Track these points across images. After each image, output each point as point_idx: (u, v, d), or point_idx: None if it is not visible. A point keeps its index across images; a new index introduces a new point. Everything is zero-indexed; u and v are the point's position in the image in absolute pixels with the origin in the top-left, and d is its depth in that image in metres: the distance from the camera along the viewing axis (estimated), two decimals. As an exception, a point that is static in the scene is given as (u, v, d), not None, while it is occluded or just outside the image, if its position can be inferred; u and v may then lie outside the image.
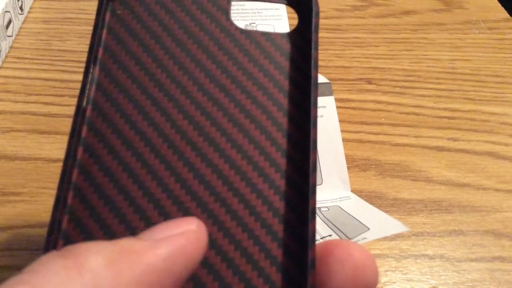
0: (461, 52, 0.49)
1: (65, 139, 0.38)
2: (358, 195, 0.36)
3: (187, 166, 0.16)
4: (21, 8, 0.46)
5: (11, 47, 0.45)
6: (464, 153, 0.40)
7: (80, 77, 0.43)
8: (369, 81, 0.45)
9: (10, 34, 0.44)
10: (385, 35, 0.50)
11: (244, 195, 0.16)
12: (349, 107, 0.43)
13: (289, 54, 0.18)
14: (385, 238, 0.34)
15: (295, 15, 0.19)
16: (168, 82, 0.17)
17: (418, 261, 0.33)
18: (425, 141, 0.41)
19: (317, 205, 0.33)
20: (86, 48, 0.45)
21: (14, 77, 0.42)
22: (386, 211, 0.35)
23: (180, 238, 0.13)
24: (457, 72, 0.47)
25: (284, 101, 0.17)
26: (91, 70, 0.17)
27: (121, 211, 0.16)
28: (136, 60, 0.17)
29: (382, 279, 0.32)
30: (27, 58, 0.44)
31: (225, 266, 0.15)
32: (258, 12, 0.43)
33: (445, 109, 0.43)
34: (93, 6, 0.50)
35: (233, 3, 0.19)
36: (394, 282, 0.32)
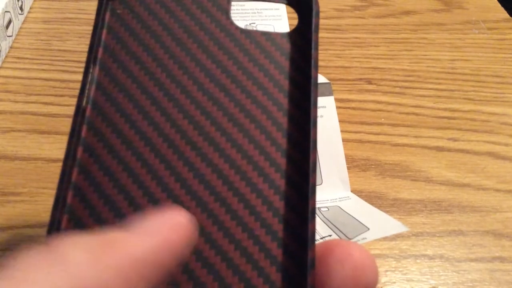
0: (461, 52, 0.49)
1: (65, 139, 0.38)
2: (358, 195, 0.36)
3: (187, 165, 0.16)
4: (21, 8, 0.46)
5: (11, 47, 0.45)
6: (464, 153, 0.40)
7: (80, 77, 0.43)
8: (369, 81, 0.45)
9: (10, 34, 0.44)
10: (385, 35, 0.50)
11: (244, 194, 0.16)
12: (349, 107, 0.43)
13: (289, 54, 0.18)
14: (385, 238, 0.34)
15: (295, 15, 0.19)
16: (168, 82, 0.17)
17: (418, 261, 0.33)
18: (425, 141, 0.41)
19: (317, 205, 0.33)
20: (86, 48, 0.45)
21: (14, 77, 0.42)
22: (386, 211, 0.35)
23: (167, 230, 0.13)
24: (457, 72, 0.47)
25: (284, 101, 0.17)
26: (91, 70, 0.17)
27: (121, 211, 0.16)
28: (136, 60, 0.17)
29: (382, 279, 0.32)
30: (27, 58, 0.44)
31: (225, 266, 0.15)
32: (258, 12, 0.43)
33: (445, 109, 0.43)
34: (93, 6, 0.50)
35: (233, 3, 0.19)
36: (394, 282, 0.32)
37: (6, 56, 0.44)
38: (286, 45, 0.18)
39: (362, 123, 0.42)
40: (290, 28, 0.43)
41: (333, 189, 0.36)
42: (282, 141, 0.17)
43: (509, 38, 0.51)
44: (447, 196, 0.37)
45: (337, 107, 0.36)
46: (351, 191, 0.36)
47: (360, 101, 0.43)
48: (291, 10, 0.19)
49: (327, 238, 0.31)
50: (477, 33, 0.51)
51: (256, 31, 0.18)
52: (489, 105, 0.44)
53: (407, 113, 0.43)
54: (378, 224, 0.32)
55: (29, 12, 0.48)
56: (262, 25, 0.42)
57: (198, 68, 0.17)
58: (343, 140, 0.36)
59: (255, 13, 0.43)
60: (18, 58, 0.44)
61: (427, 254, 0.33)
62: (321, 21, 0.48)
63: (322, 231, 0.32)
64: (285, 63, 0.18)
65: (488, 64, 0.48)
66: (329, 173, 0.36)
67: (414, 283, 0.32)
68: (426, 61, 0.48)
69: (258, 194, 0.16)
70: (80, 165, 0.16)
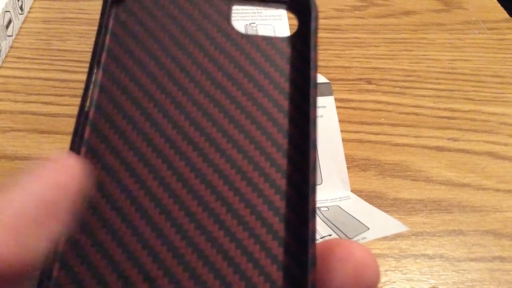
0: (461, 52, 0.49)
1: (65, 139, 0.38)
2: (358, 195, 0.36)
3: (189, 166, 0.16)
4: (21, 8, 0.46)
5: (11, 47, 0.45)
6: (464, 153, 0.40)
7: (80, 76, 0.44)
8: (369, 81, 0.45)
9: (10, 34, 0.44)
10: (385, 35, 0.50)
11: (245, 194, 0.16)
12: (349, 107, 0.43)
13: (290, 57, 0.18)
14: (385, 238, 0.34)
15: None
16: (171, 85, 0.17)
17: (418, 260, 0.33)
18: (425, 141, 0.41)
19: (317, 205, 0.33)
20: (86, 48, 0.45)
21: (14, 77, 0.42)
22: (386, 211, 0.35)
23: (53, 172, 0.14)
24: (457, 72, 0.47)
25: (284, 102, 0.17)
26: (94, 72, 0.17)
27: (122, 210, 0.16)
28: (138, 63, 0.18)
29: (382, 278, 0.32)
30: (27, 58, 0.44)
31: (226, 264, 0.15)
32: (258, 12, 0.43)
33: (445, 109, 0.43)
34: (93, 6, 0.50)
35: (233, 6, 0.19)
36: (394, 282, 0.32)
37: (6, 56, 0.44)
38: (287, 49, 0.18)
39: (362, 123, 0.42)
40: (290, 28, 0.43)
41: (333, 189, 0.36)
42: (283, 142, 0.17)
43: (509, 38, 0.51)
44: (447, 196, 0.37)
45: (337, 107, 0.36)
46: (351, 191, 0.36)
47: (360, 101, 0.43)
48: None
49: (327, 238, 0.31)
50: (477, 33, 0.51)
51: (257, 36, 0.18)
52: (489, 105, 0.44)
53: (407, 113, 0.43)
54: (378, 224, 0.32)
55: (29, 12, 0.48)
56: (262, 25, 0.42)
57: (200, 72, 0.18)
58: (343, 140, 0.36)
59: (255, 13, 0.43)
60: (18, 57, 0.44)
61: (427, 254, 0.33)
62: (321, 21, 0.49)
63: (322, 230, 0.32)
64: (285, 66, 0.18)
65: (488, 64, 0.48)
66: (329, 173, 0.36)
67: (414, 283, 0.32)
68: (426, 61, 0.48)
69: (259, 193, 0.16)
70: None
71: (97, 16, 0.18)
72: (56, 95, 0.41)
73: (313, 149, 0.16)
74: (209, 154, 0.17)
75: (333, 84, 0.40)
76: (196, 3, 0.19)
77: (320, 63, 0.46)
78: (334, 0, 0.54)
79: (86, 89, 0.17)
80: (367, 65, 0.47)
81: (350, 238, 0.31)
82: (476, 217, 0.36)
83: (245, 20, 0.42)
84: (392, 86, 0.45)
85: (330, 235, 0.32)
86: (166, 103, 0.17)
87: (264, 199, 0.16)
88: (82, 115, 0.16)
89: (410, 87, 0.45)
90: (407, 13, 0.53)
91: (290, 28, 0.43)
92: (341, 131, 0.36)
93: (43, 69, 0.43)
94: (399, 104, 0.43)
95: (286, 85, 0.18)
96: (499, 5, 0.55)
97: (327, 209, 0.34)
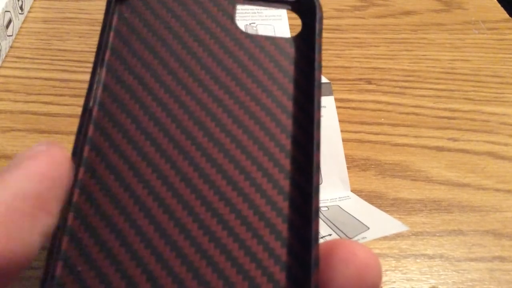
0: (460, 52, 0.49)
1: (65, 139, 0.38)
2: (358, 195, 0.36)
3: (192, 165, 0.16)
4: (21, 8, 0.46)
5: (11, 47, 0.45)
6: (464, 153, 0.40)
7: (80, 76, 0.44)
8: (369, 81, 0.45)
9: (10, 34, 0.44)
10: (385, 35, 0.50)
11: (248, 194, 0.16)
12: (349, 107, 0.43)
13: (293, 58, 0.18)
14: (384, 238, 0.34)
15: (295, 15, 0.19)
16: (174, 84, 0.17)
17: (417, 260, 0.33)
18: (425, 141, 0.41)
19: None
20: (86, 47, 0.45)
21: (14, 77, 0.42)
22: (386, 211, 0.35)
23: (32, 162, 0.14)
24: (457, 72, 0.47)
25: (288, 103, 0.17)
26: (98, 71, 0.17)
27: (126, 209, 0.16)
28: (142, 62, 0.18)
29: (382, 278, 0.32)
30: (27, 58, 0.44)
31: (229, 265, 0.15)
32: (258, 12, 0.43)
33: (445, 109, 0.43)
34: (94, 6, 0.50)
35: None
36: (394, 282, 0.32)
37: (6, 56, 0.44)
38: (290, 50, 0.18)
39: (362, 123, 0.42)
40: (290, 28, 0.43)
41: (333, 189, 0.36)
42: (286, 142, 0.17)
43: (509, 38, 0.51)
44: (447, 196, 0.37)
45: (337, 107, 0.36)
46: (351, 191, 0.36)
47: (360, 101, 0.43)
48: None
49: (327, 238, 0.31)
50: (477, 33, 0.51)
51: (261, 36, 0.18)
52: (489, 105, 0.44)
53: (407, 113, 0.43)
54: (378, 224, 0.32)
55: (29, 11, 0.48)
56: (262, 25, 0.42)
57: (204, 71, 0.18)
58: (343, 140, 0.36)
59: (255, 13, 0.43)
60: (18, 57, 0.44)
61: (427, 254, 0.33)
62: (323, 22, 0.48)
63: (322, 230, 0.32)
64: (289, 67, 0.18)
65: (488, 64, 0.48)
66: (329, 172, 0.36)
67: (414, 283, 0.32)
68: (426, 61, 0.48)
69: (262, 194, 0.16)
70: (86, 164, 0.16)
71: (98, 16, 0.18)
72: (56, 95, 0.41)
73: (317, 150, 0.16)
74: (213, 154, 0.17)
75: (333, 84, 0.40)
76: (200, 2, 0.19)
77: (320, 63, 0.46)
78: (334, 0, 0.54)
79: (90, 87, 0.17)
80: (367, 65, 0.47)
81: (350, 238, 0.31)
82: (476, 217, 0.36)
83: (245, 20, 0.42)
84: (392, 86, 0.45)
85: (330, 235, 0.32)
86: (170, 102, 0.17)
87: (268, 200, 0.16)
88: (86, 113, 0.17)
89: (410, 87, 0.45)
90: (407, 13, 0.53)
91: (290, 28, 0.43)
92: (341, 131, 0.36)
93: (43, 69, 0.43)
94: (399, 104, 0.43)
95: (290, 86, 0.18)
96: (499, 5, 0.55)
97: (327, 208, 0.34)
